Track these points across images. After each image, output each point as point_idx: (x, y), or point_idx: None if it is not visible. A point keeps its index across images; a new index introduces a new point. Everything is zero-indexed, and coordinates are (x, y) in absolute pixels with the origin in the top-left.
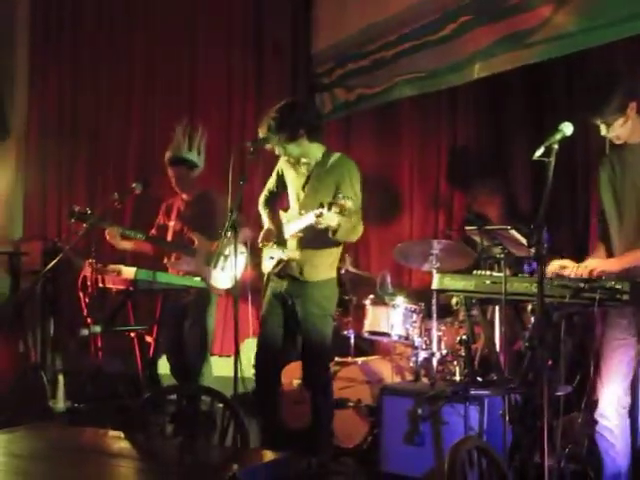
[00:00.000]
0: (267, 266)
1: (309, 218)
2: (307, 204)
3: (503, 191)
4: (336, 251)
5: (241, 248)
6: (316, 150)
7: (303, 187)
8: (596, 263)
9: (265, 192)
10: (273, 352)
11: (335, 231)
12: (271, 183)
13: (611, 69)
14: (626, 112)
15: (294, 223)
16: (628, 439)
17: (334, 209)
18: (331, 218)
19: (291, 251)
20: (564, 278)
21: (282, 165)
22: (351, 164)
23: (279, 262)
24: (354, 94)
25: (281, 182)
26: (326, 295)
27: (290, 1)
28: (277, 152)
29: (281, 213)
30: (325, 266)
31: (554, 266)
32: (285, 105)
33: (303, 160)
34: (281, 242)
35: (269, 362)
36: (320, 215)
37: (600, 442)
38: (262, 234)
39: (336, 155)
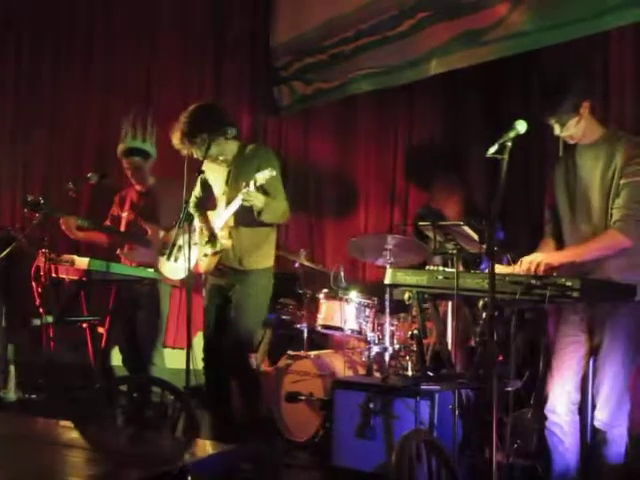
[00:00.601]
0: (203, 264)
1: (237, 201)
2: (233, 196)
3: (460, 187)
4: (267, 237)
5: (194, 239)
6: (232, 146)
7: (226, 182)
8: (541, 256)
9: (192, 198)
10: (218, 345)
11: (260, 212)
12: (196, 189)
13: (566, 69)
14: (579, 112)
15: (224, 213)
16: (577, 435)
17: (257, 185)
18: (257, 197)
19: (224, 240)
20: (515, 274)
21: (204, 168)
22: (267, 151)
23: (213, 255)
24: (312, 88)
25: (205, 186)
26: (263, 284)
27: None
28: (195, 155)
29: (209, 213)
30: (259, 254)
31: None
32: (196, 108)
33: (220, 158)
34: (212, 238)
35: (216, 356)
36: (247, 193)
37: (550, 438)
38: (198, 231)
39: (251, 146)
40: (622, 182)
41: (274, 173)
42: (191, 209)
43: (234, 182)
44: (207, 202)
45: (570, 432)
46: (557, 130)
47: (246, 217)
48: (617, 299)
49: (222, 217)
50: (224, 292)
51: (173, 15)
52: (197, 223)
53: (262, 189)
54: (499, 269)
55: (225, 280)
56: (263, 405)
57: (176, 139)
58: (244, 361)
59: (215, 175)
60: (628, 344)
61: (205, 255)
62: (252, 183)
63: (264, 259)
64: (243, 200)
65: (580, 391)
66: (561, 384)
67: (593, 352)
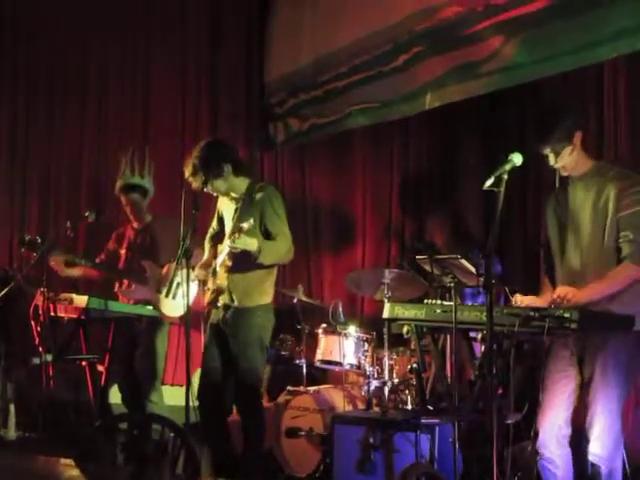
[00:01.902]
0: (205, 297)
1: (225, 249)
2: None
3: (455, 219)
4: (266, 276)
5: (193, 276)
6: (241, 183)
7: (232, 219)
8: (573, 292)
9: (210, 230)
10: (214, 383)
11: (257, 255)
12: (213, 222)
13: (560, 100)
14: (573, 141)
15: (221, 253)
16: (569, 467)
17: (242, 232)
18: (243, 242)
19: (220, 279)
20: (514, 307)
21: (219, 203)
22: (272, 191)
23: (212, 292)
24: (307, 124)
25: (221, 220)
26: (259, 323)
27: (244, 30)
28: (205, 190)
29: (218, 247)
30: (256, 292)
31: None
32: (207, 144)
33: (232, 195)
34: (214, 272)
35: (211, 393)
36: (233, 240)
37: (543, 472)
38: (199, 265)
39: (259, 185)
40: (619, 215)
41: (252, 222)
42: (207, 241)
43: (238, 221)
44: (222, 236)
45: (562, 466)
46: (552, 160)
47: (243, 259)
48: (615, 330)
49: (220, 256)
50: (219, 328)
51: (168, 51)
52: (205, 255)
53: (265, 231)
54: (528, 301)
55: (220, 315)
56: (265, 444)
57: (187, 173)
58: (251, 400)
59: (228, 209)
60: (619, 377)
61: (208, 289)
62: (237, 233)
63: (260, 297)
64: (230, 247)
65: (570, 425)
66: (551, 419)
67: (585, 385)
